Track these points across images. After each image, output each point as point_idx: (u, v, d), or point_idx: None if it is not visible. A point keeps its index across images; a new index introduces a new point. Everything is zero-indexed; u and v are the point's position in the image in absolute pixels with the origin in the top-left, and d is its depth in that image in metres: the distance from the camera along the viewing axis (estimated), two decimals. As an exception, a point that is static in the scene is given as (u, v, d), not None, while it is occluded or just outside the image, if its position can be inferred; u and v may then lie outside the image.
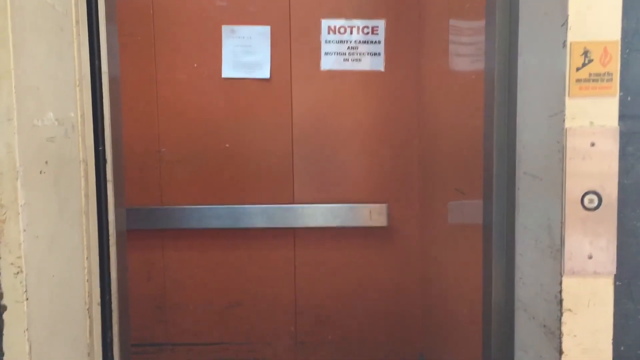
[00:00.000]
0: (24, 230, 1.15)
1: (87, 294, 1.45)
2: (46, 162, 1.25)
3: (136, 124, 2.88)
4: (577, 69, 1.10)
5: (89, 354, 1.44)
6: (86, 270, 1.44)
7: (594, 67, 1.10)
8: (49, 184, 1.27)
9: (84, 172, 1.43)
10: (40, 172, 1.23)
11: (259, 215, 2.88)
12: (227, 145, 2.90)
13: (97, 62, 1.46)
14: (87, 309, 1.45)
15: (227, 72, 2.86)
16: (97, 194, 1.49)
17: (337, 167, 2.92)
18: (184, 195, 2.92)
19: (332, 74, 2.86)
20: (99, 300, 1.51)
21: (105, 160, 1.52)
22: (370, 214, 2.87)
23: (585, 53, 1.11)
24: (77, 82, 1.41)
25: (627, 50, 1.14)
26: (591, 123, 1.11)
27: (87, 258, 1.45)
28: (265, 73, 2.86)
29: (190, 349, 2.99)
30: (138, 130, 2.87)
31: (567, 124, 1.11)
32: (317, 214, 2.87)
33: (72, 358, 1.37)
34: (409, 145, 2.91)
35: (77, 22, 1.42)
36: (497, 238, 1.48)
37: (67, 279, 1.35)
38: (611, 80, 1.11)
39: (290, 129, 2.89)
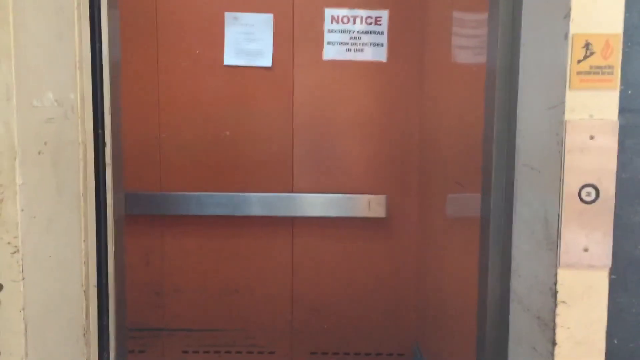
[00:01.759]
0: (22, 210, 1.16)
1: (84, 276, 1.45)
2: (45, 143, 1.25)
3: (137, 109, 2.88)
4: (579, 61, 1.10)
5: (84, 335, 1.44)
6: (83, 253, 1.44)
7: (595, 60, 1.10)
8: (48, 165, 1.27)
9: (83, 155, 1.43)
10: (39, 153, 1.23)
11: (258, 203, 2.89)
12: (227, 133, 2.90)
13: (98, 45, 1.46)
14: (84, 291, 1.45)
15: (229, 59, 2.85)
16: (96, 177, 1.49)
17: (337, 157, 2.92)
18: (184, 181, 2.92)
19: (334, 63, 2.86)
20: (95, 282, 1.51)
21: (104, 144, 1.52)
22: (369, 205, 2.87)
23: (587, 45, 1.10)
24: (78, 64, 1.41)
25: (629, 44, 1.14)
26: (591, 116, 1.10)
27: (84, 240, 1.45)
28: (267, 61, 2.86)
29: (187, 335, 3.00)
30: (138, 116, 2.86)
31: (567, 117, 1.11)
32: (316, 204, 2.87)
33: (67, 339, 1.38)
34: (410, 137, 2.91)
35: (79, 4, 1.41)
36: (494, 230, 1.48)
37: (64, 260, 1.35)
38: (612, 73, 1.10)
39: (291, 117, 2.89)
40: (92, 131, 1.46)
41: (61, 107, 1.32)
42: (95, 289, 1.52)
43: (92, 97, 1.44)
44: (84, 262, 1.44)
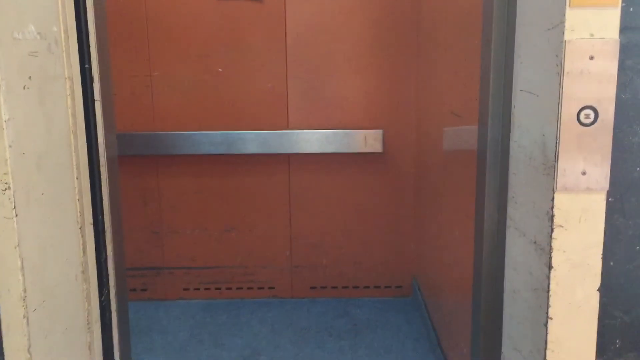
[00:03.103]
0: (10, 147, 1.13)
1: (78, 214, 1.44)
2: (29, 78, 1.21)
3: (124, 46, 2.81)
4: (579, -22, 1.06)
5: (82, 272, 1.45)
6: (77, 190, 1.43)
7: (597, -25, 1.05)
8: (34, 101, 1.24)
9: (70, 90, 1.40)
10: (24, 88, 1.19)
11: (254, 141, 2.86)
12: (220, 70, 2.84)
13: (79, -26, 1.40)
14: (80, 228, 1.45)
15: (219, -8, 2.77)
16: (85, 114, 1.46)
17: (333, 92, 2.87)
18: (178, 121, 2.89)
19: (327, -6, 2.77)
20: (91, 220, 1.51)
21: (92, 79, 1.48)
22: (365, 140, 2.85)
23: (589, -40, 1.05)
24: (59, -5, 1.35)
25: (633, -42, 1.09)
26: (591, 35, 1.07)
27: (77, 178, 1.43)
28: (258, -6, 2.77)
29: (187, 272, 3.04)
30: (127, 53, 2.80)
31: (567, 36, 1.07)
32: (311, 140, 2.85)
33: (66, 275, 1.38)
34: (407, 69, 2.85)
35: None
36: (491, 158, 1.47)
37: (57, 197, 1.34)
38: (614, -11, 1.06)
39: (285, 52, 2.83)
40: (79, 65, 1.42)
41: (44, 40, 1.28)
42: (92, 227, 1.51)
43: (77, 30, 1.39)
44: (78, 200, 1.43)
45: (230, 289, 3.06)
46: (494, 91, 1.44)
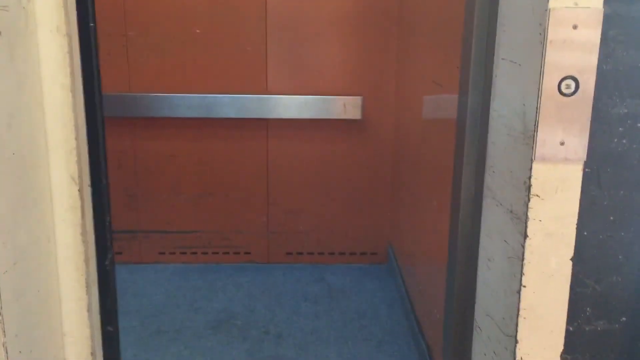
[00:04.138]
0: (-21, 104, 1.10)
1: (77, 176, 1.41)
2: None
3: (99, 2, 2.72)
4: (566, -55, 1.04)
5: (81, 234, 1.43)
6: (75, 152, 1.40)
7: (584, -57, 1.04)
8: (4, 57, 1.20)
9: (69, 47, 1.35)
10: (-7, 43, 1.15)
11: (231, 105, 2.83)
12: (197, 31, 2.78)
13: None
14: (79, 190, 1.42)
15: (198, -50, 2.69)
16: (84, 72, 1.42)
17: (312, 58, 2.84)
18: (154, 82, 2.83)
19: (309, -43, 2.71)
20: (89, 182, 1.48)
21: (96, 36, 1.44)
22: (344, 107, 2.83)
23: None
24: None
25: None
26: (575, 4, 1.06)
27: (75, 139, 1.40)
28: (238, -47, 2.70)
29: (162, 237, 3.03)
30: (102, 10, 2.72)
31: (551, 4, 1.06)
32: (290, 105, 2.83)
33: (37, 237, 1.36)
34: (387, 36, 2.83)
35: None
36: (470, 127, 1.47)
37: (29, 157, 1.31)
38: (600, -43, 1.05)
39: (264, 16, 2.77)
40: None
41: (14, -7, 1.23)
42: (90, 189, 1.49)
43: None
44: (76, 162, 1.40)
45: (206, 253, 3.06)
46: (476, 59, 1.43)
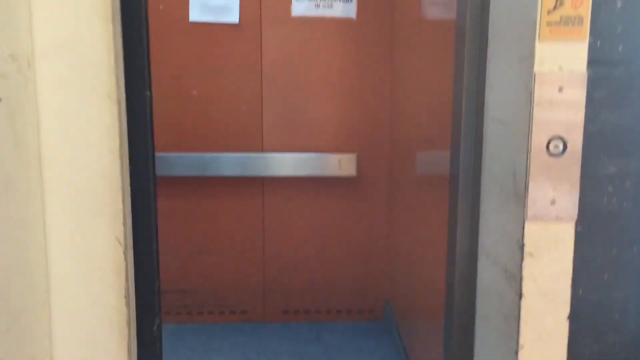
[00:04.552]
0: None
1: (123, 237, 1.42)
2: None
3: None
4: (549, 12, 1.09)
5: (125, 297, 1.42)
6: (122, 214, 1.40)
7: (565, 10, 1.08)
8: (4, 121, 1.22)
9: (118, 113, 1.38)
10: (-7, 110, 1.17)
11: (228, 163, 2.85)
12: (195, 92, 2.84)
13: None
14: (124, 252, 1.42)
15: (195, 15, 2.77)
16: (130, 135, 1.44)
17: (307, 116, 2.89)
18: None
19: (304, 20, 2.80)
20: (131, 244, 1.48)
21: (151, 104, 1.48)
22: (339, 164, 2.86)
23: (557, -5, 1.08)
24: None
25: (599, -6, 1.12)
26: (560, 68, 1.09)
27: (122, 202, 1.40)
28: (234, 17, 2.78)
29: (157, 296, 2.99)
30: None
31: (536, 68, 1.10)
32: (286, 163, 2.85)
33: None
34: (381, 94, 2.88)
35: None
36: (463, 186, 1.48)
37: (24, 222, 1.31)
38: (582, 24, 1.09)
39: (260, 76, 2.84)
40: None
41: (15, 62, 1.26)
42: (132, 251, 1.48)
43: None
44: (124, 224, 1.40)
45: (201, 312, 3.02)
46: (466, 119, 1.46)
